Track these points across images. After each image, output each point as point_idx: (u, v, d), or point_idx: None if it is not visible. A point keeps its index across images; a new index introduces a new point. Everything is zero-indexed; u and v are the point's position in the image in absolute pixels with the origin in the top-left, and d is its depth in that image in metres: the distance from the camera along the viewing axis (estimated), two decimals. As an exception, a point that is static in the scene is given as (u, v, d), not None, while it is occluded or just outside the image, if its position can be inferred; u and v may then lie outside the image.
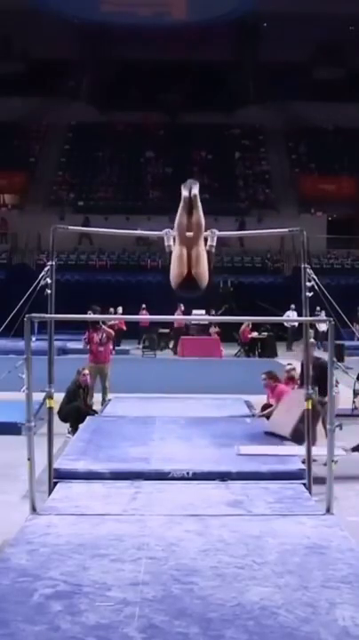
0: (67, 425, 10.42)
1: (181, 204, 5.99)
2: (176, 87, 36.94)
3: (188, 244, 6.02)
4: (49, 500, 6.77)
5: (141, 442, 8.97)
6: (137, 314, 20.70)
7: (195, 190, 5.87)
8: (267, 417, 10.50)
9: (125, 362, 18.73)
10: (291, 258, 30.20)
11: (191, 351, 21.80)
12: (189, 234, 5.99)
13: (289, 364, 12.28)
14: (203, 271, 6.08)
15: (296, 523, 6.07)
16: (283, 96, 36.61)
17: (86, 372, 11.22)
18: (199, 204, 5.93)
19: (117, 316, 22.98)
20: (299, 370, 10.67)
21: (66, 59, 37.77)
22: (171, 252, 6.27)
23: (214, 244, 6.44)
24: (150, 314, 17.82)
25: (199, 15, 36.07)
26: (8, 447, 9.01)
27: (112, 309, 21.61)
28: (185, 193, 5.88)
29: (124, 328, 21.77)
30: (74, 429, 10.28)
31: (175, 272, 6.09)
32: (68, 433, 10.20)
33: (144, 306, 22.16)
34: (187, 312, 22.36)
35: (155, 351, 22.47)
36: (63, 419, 10.31)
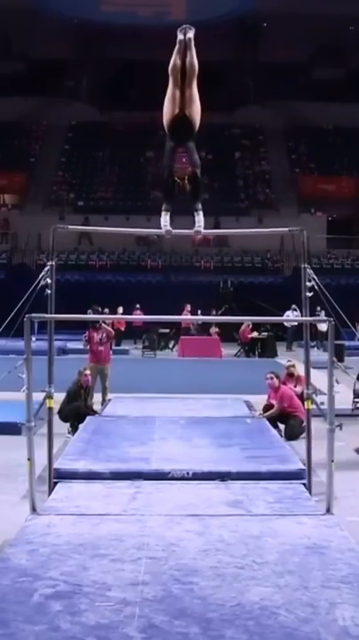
0: (68, 425, 10.42)
1: (176, 48, 6.20)
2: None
3: (182, 85, 6.11)
4: (49, 500, 6.77)
5: (141, 442, 8.97)
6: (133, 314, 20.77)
7: (190, 34, 6.16)
8: (268, 417, 10.52)
9: (125, 362, 18.73)
10: (291, 258, 30.19)
11: (191, 351, 21.80)
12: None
13: (289, 361, 12.31)
14: (197, 111, 6.13)
15: (296, 523, 6.07)
16: (283, 96, 36.62)
17: (88, 372, 11.22)
18: (193, 46, 6.18)
19: (117, 316, 22.99)
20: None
21: (66, 59, 37.79)
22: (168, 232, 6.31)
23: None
24: (150, 314, 17.80)
25: (199, 15, 36.02)
26: (8, 447, 9.01)
27: (107, 310, 21.59)
28: (180, 36, 6.15)
29: (122, 329, 21.76)
30: (74, 429, 10.28)
31: (168, 111, 6.13)
32: (68, 433, 10.20)
33: (138, 306, 22.16)
34: (194, 312, 22.41)
35: (155, 351, 22.47)
36: (64, 419, 10.31)
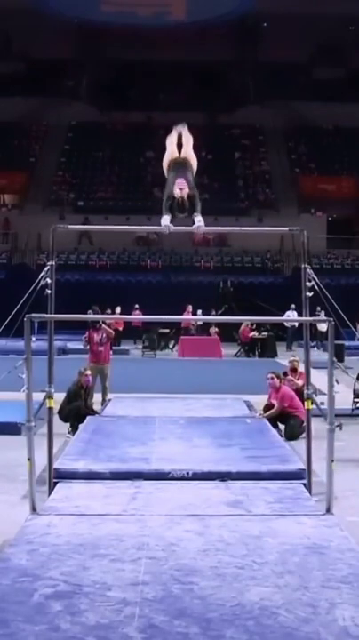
0: (68, 425, 10.41)
1: (172, 138, 7.14)
2: (176, 87, 36.95)
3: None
4: (49, 500, 6.77)
5: (141, 442, 8.97)
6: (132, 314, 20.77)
7: (185, 132, 7.15)
8: (268, 417, 10.52)
9: (125, 362, 18.73)
10: (291, 258, 30.20)
11: (191, 351, 21.80)
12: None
13: (293, 356, 12.33)
14: (193, 160, 7.11)
15: (296, 523, 6.07)
16: (283, 96, 36.62)
17: (88, 372, 11.21)
18: (189, 141, 7.14)
19: (117, 316, 22.99)
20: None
21: (66, 59, 37.79)
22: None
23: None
24: (150, 314, 17.78)
25: (199, 15, 36.07)
26: (8, 447, 9.01)
27: (109, 310, 21.60)
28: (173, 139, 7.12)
29: (120, 328, 21.75)
30: (74, 429, 10.28)
31: (168, 157, 7.11)
32: (68, 433, 10.20)
33: (137, 306, 22.16)
34: (194, 312, 22.41)
35: (155, 351, 22.47)
36: (64, 419, 10.31)
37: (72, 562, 5.16)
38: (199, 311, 22.97)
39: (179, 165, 7.02)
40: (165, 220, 6.67)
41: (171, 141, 7.25)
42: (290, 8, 34.31)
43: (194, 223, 6.70)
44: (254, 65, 39.03)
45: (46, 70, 36.86)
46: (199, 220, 6.71)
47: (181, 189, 6.71)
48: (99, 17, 36.67)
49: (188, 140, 7.27)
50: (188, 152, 7.22)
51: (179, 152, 7.17)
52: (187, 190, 6.71)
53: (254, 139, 38.11)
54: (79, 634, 4.09)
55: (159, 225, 6.65)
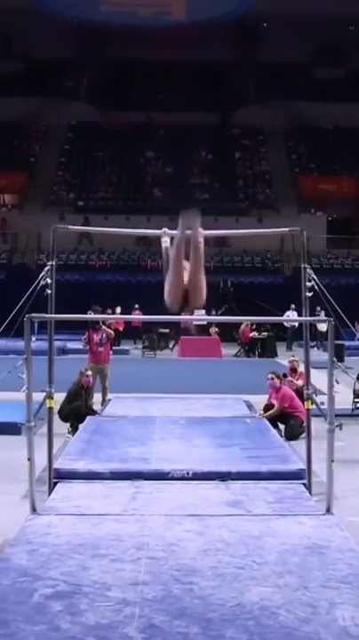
0: (68, 425, 10.41)
1: (177, 242, 5.66)
2: (176, 87, 36.96)
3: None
4: (49, 500, 6.77)
5: (141, 442, 8.97)
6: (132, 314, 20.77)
7: (198, 235, 5.54)
8: (268, 417, 10.52)
9: (125, 362, 18.74)
10: (291, 258, 30.20)
11: (191, 351, 21.80)
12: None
13: (292, 356, 12.34)
14: (202, 298, 5.79)
15: (296, 523, 6.07)
16: (283, 96, 36.62)
17: (89, 373, 11.22)
18: (201, 255, 5.59)
19: (117, 316, 22.99)
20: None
21: (66, 59, 37.80)
22: (166, 253, 6.05)
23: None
24: (150, 314, 17.73)
25: (199, 15, 36.07)
26: (8, 447, 9.01)
27: (110, 310, 21.61)
28: (182, 235, 5.57)
29: (121, 329, 21.76)
30: (74, 429, 10.28)
31: (170, 297, 5.85)
32: (68, 433, 10.20)
33: (137, 306, 22.15)
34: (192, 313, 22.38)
35: (155, 351, 22.47)
36: (64, 418, 10.31)
37: (72, 562, 5.15)
38: (203, 311, 22.93)
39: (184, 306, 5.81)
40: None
41: (177, 259, 5.58)
42: (290, 8, 34.31)
43: None
44: (254, 65, 39.04)
45: (46, 70, 36.87)
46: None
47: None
48: (99, 17, 36.67)
49: (197, 249, 5.50)
50: (197, 285, 5.62)
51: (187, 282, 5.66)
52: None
53: (254, 139, 38.11)
54: (79, 634, 4.09)
55: (159, 224, 6.54)
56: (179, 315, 6.01)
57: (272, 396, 10.80)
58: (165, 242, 6.23)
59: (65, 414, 10.35)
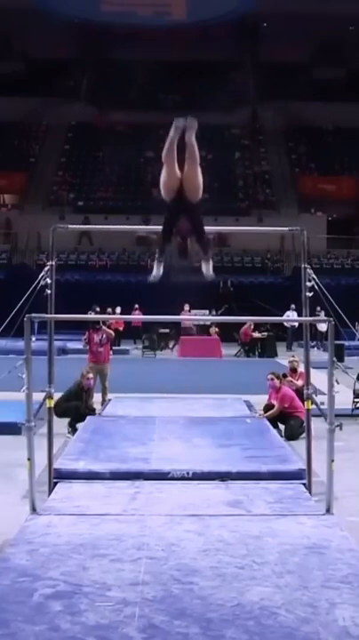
0: (67, 425, 10.41)
1: (171, 145, 5.64)
2: (176, 87, 36.95)
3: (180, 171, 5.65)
4: (49, 500, 6.77)
5: (141, 442, 8.97)
6: (132, 314, 20.77)
7: (192, 134, 5.57)
8: (268, 417, 10.52)
9: (125, 362, 18.74)
10: (291, 258, 30.19)
11: (191, 351, 21.80)
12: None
13: (292, 356, 12.34)
14: (197, 189, 5.70)
15: (296, 523, 6.07)
16: (283, 96, 36.60)
17: (90, 375, 11.24)
18: (196, 151, 5.58)
19: (117, 316, 22.99)
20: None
21: (66, 59, 37.76)
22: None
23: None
24: (150, 314, 17.77)
25: (199, 15, 36.06)
26: (8, 447, 9.01)
27: (110, 310, 21.61)
28: (176, 131, 5.62)
29: (121, 329, 21.76)
30: (73, 430, 10.27)
31: (165, 189, 5.74)
32: (68, 433, 10.20)
33: (137, 306, 22.15)
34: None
35: (155, 351, 22.47)
36: (59, 415, 10.14)
37: (72, 562, 5.16)
38: (204, 311, 22.95)
39: (181, 204, 5.66)
40: (156, 270, 5.92)
41: (170, 153, 5.67)
42: (290, 8, 34.30)
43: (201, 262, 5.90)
44: (254, 65, 39.03)
45: (46, 70, 36.82)
46: (206, 268, 5.89)
47: (184, 252, 5.71)
48: (100, 17, 36.64)
49: (192, 155, 5.61)
50: (193, 178, 5.62)
51: (182, 170, 5.66)
52: (193, 242, 5.65)
53: (254, 139, 38.11)
54: (79, 634, 4.09)
55: (159, 224, 6.41)
56: (175, 208, 5.71)
57: (272, 397, 10.80)
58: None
59: (60, 411, 10.22)
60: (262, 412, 10.81)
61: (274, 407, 10.62)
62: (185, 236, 5.72)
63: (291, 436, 10.12)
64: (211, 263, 5.87)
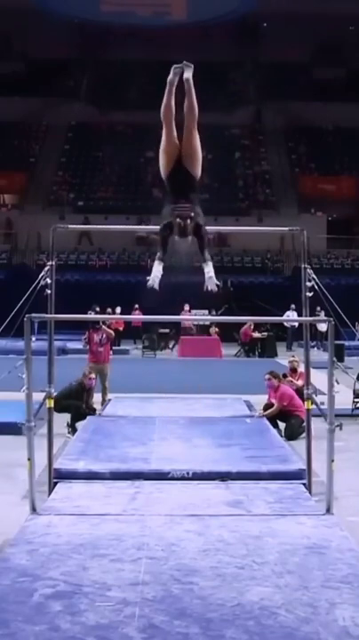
0: (67, 425, 10.40)
1: (168, 89, 5.65)
2: (176, 87, 36.88)
3: (179, 135, 5.59)
4: (49, 500, 6.77)
5: (141, 442, 8.97)
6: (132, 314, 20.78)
7: (189, 73, 5.60)
8: (268, 417, 10.52)
9: (125, 362, 18.74)
10: (291, 258, 30.19)
11: (191, 351, 21.79)
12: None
13: (292, 356, 12.34)
14: (197, 161, 5.61)
15: (296, 523, 6.07)
16: (283, 96, 36.60)
17: (92, 375, 11.24)
18: (192, 88, 5.59)
19: (117, 317, 22.99)
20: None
21: (66, 59, 37.77)
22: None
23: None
24: (150, 314, 17.77)
25: (199, 15, 36.07)
26: (8, 447, 9.01)
27: (110, 310, 21.61)
28: (174, 77, 5.66)
29: (121, 329, 21.75)
30: (73, 430, 10.27)
31: (164, 163, 5.65)
32: (68, 433, 10.20)
33: (137, 306, 22.15)
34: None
35: (155, 351, 22.47)
36: (59, 410, 10.04)
37: (72, 562, 5.16)
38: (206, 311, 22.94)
39: (180, 176, 5.57)
40: (158, 270, 5.74)
41: (168, 103, 5.60)
42: (290, 8, 34.31)
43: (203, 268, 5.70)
44: (254, 65, 39.03)
45: (46, 70, 36.82)
46: (209, 270, 5.63)
47: (183, 218, 5.47)
48: (99, 17, 36.66)
49: (192, 109, 5.55)
50: (192, 145, 5.51)
51: (180, 142, 5.58)
52: (191, 220, 5.47)
53: (254, 139, 38.10)
54: (79, 634, 4.09)
55: (159, 224, 6.37)
56: (174, 169, 5.61)
57: (271, 396, 10.81)
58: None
59: (60, 408, 10.15)
60: (262, 412, 10.81)
61: (273, 406, 10.62)
62: (185, 217, 5.54)
63: (290, 435, 10.12)
64: (211, 267, 5.69)
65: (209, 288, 5.66)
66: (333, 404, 6.48)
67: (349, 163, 36.04)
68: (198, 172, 5.71)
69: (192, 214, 5.52)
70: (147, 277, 5.91)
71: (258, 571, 5.03)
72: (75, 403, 10.62)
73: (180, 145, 5.62)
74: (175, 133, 5.63)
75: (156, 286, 5.83)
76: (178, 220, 5.50)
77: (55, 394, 7.53)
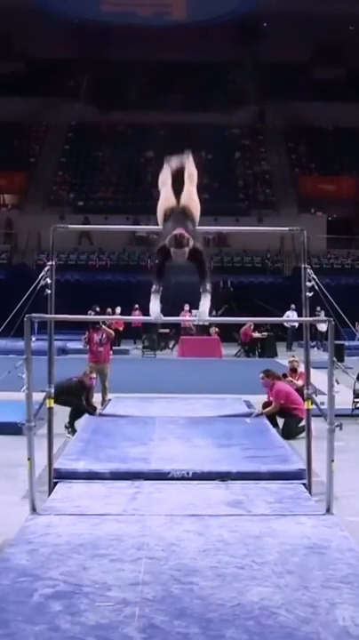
0: (66, 427, 10.39)
1: (165, 177, 5.87)
2: (176, 87, 36.94)
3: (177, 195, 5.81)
4: (49, 500, 6.77)
5: (141, 442, 8.97)
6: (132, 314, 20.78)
7: (188, 165, 5.82)
8: (267, 415, 10.53)
9: (125, 362, 18.73)
10: (291, 258, 30.21)
11: (191, 351, 21.79)
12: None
13: (292, 356, 12.35)
14: (196, 207, 5.81)
15: (296, 523, 6.07)
16: (283, 96, 36.62)
17: (94, 375, 11.24)
18: (193, 178, 5.80)
19: (117, 317, 22.99)
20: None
21: (66, 59, 37.80)
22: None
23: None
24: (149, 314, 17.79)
25: (199, 15, 36.08)
26: (8, 447, 9.01)
27: (109, 310, 21.61)
28: (172, 166, 5.89)
29: (121, 329, 21.75)
30: (73, 430, 10.27)
31: (162, 206, 5.86)
32: (68, 433, 10.20)
33: (137, 306, 22.15)
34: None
35: (155, 351, 22.47)
36: (61, 403, 9.95)
37: (72, 562, 5.16)
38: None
39: (178, 215, 5.70)
40: (155, 305, 5.73)
41: (164, 181, 5.88)
42: (290, 8, 34.32)
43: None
44: (254, 65, 39.04)
45: (46, 70, 36.86)
46: (203, 304, 5.84)
47: (181, 238, 5.44)
48: (99, 17, 36.66)
49: (192, 176, 5.83)
50: (191, 197, 5.76)
51: (178, 198, 5.78)
52: (188, 241, 5.46)
53: (254, 139, 38.10)
54: (79, 634, 4.09)
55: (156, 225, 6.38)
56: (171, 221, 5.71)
57: (270, 395, 10.82)
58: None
59: (61, 402, 10.07)
60: (261, 409, 10.81)
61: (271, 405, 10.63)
62: (182, 246, 5.56)
63: (288, 434, 10.11)
64: (208, 301, 5.82)
65: (197, 322, 5.82)
66: (333, 404, 6.48)
67: (349, 163, 36.06)
68: (196, 219, 5.86)
69: (190, 241, 5.53)
70: (150, 316, 5.87)
71: (258, 571, 5.03)
72: (76, 402, 10.61)
73: (178, 200, 5.83)
74: (173, 196, 5.85)
75: (162, 319, 6.00)
76: (172, 249, 5.53)
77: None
